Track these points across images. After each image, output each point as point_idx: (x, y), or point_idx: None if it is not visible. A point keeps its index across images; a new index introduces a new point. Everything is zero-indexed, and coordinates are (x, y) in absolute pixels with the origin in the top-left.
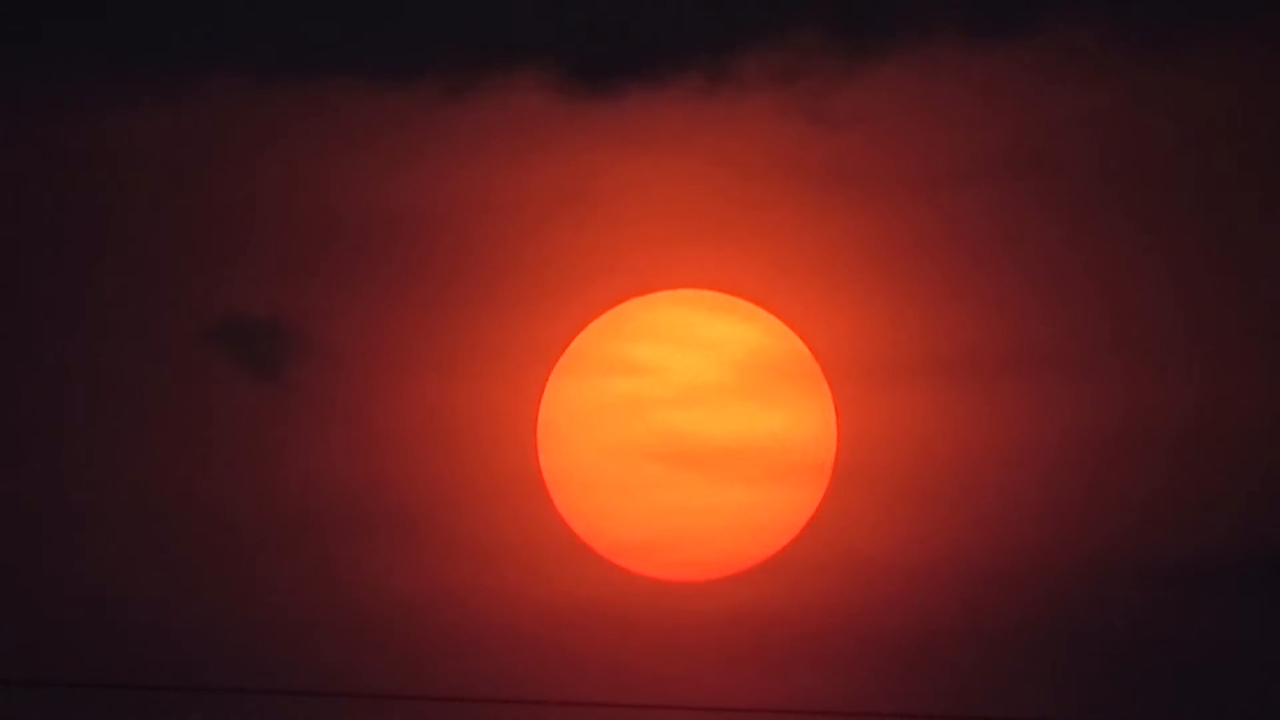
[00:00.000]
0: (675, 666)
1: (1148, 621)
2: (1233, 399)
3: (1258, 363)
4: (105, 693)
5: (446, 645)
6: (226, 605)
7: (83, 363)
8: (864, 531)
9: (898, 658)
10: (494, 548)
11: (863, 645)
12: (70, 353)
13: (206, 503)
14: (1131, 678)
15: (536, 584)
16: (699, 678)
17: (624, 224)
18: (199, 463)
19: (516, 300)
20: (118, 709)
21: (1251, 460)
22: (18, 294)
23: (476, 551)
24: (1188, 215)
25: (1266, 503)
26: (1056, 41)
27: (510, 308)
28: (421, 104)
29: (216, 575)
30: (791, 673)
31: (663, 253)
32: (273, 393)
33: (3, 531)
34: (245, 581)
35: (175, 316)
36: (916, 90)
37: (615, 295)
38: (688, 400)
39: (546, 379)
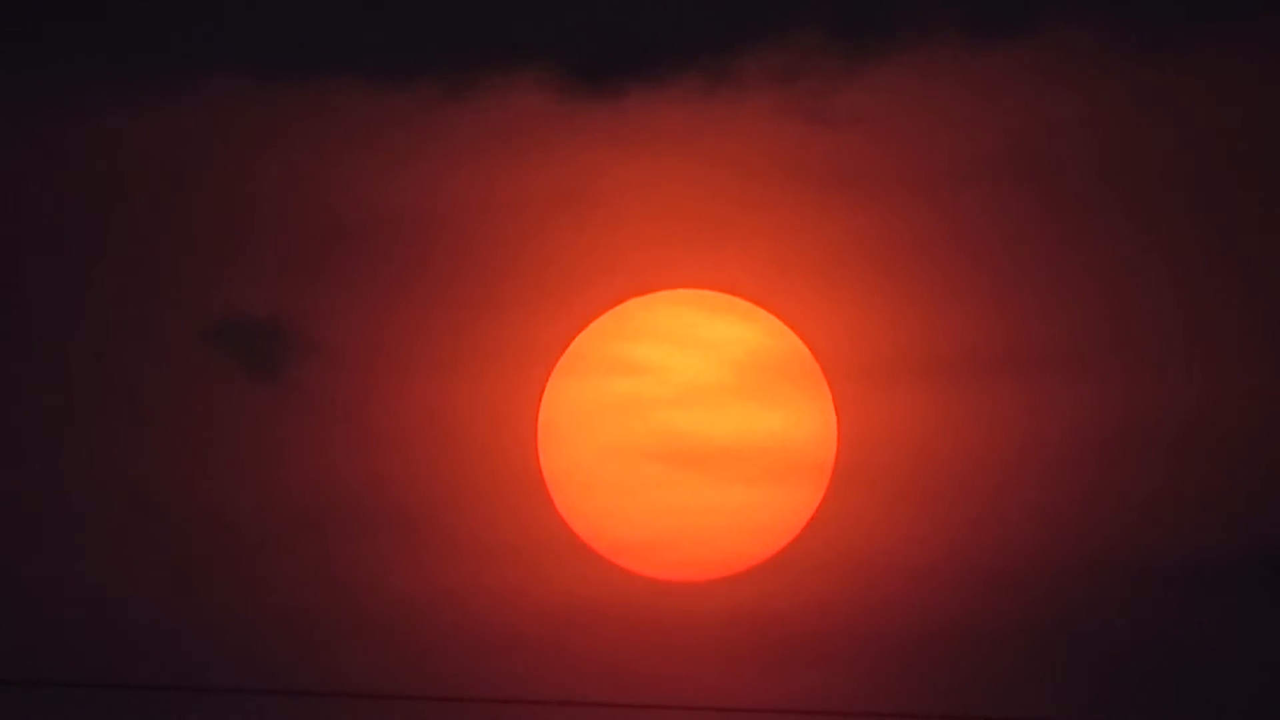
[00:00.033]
0: (675, 666)
1: (1148, 621)
2: (1233, 399)
3: (1258, 363)
4: (105, 693)
5: (446, 645)
6: (226, 605)
7: (83, 363)
8: (864, 531)
9: (898, 658)
10: (494, 548)
11: (863, 645)
12: (70, 353)
13: (206, 503)
14: (1131, 678)
15: (536, 584)
16: (699, 678)
17: (624, 224)
18: (199, 463)
19: (516, 300)
20: (118, 709)
21: (1251, 460)
22: (18, 294)
23: (476, 551)
24: (1188, 215)
25: (1266, 503)
26: (1056, 41)
27: (510, 308)
28: (421, 104)
29: (216, 575)
30: (791, 673)
31: (663, 253)
32: (273, 393)
33: (3, 531)
34: (245, 581)
35: (175, 316)
36: (916, 90)
37: (615, 295)
38: (688, 400)
39: (546, 379)
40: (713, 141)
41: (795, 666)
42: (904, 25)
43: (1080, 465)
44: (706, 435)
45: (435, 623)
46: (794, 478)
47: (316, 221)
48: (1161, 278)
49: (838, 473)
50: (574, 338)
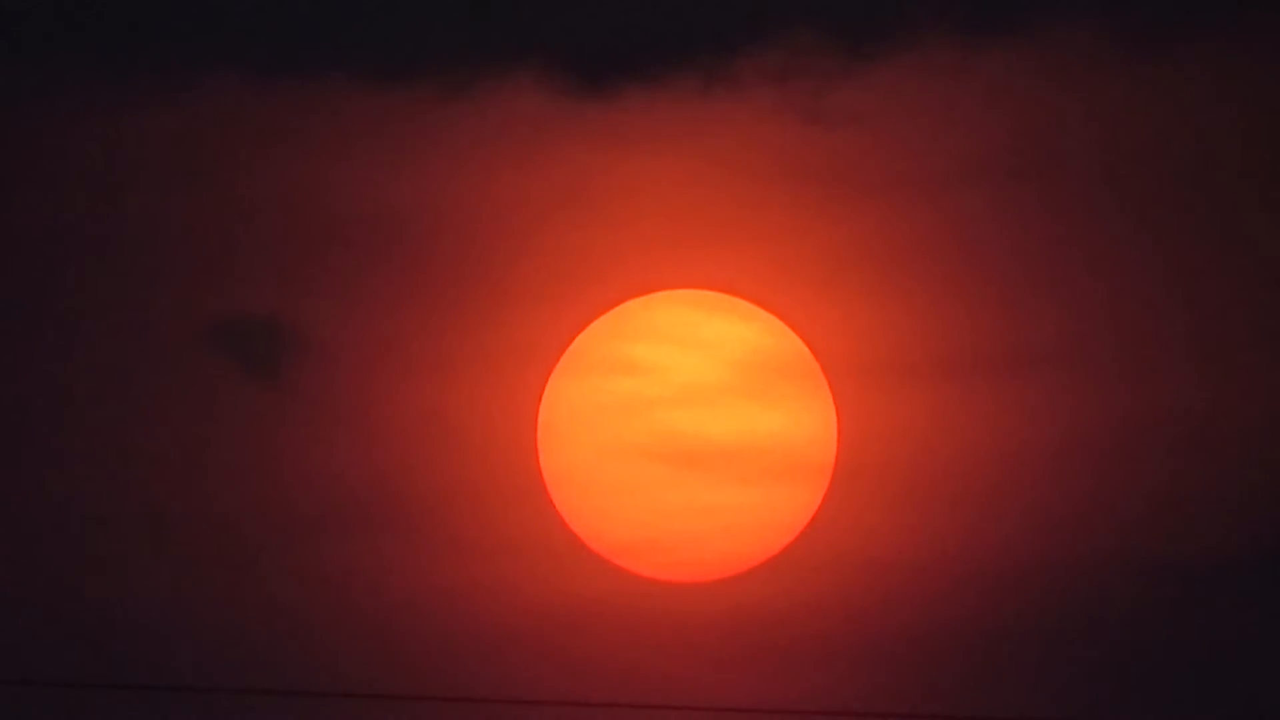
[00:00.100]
0: (675, 666)
1: (1148, 621)
2: (1233, 399)
3: (1258, 363)
4: (105, 693)
5: (446, 645)
6: (226, 605)
7: (83, 363)
8: (864, 531)
9: (898, 658)
10: (494, 548)
11: (863, 645)
12: (70, 353)
13: (206, 503)
14: (1131, 677)
15: (536, 584)
16: (699, 678)
17: (624, 224)
18: (199, 463)
19: (516, 300)
20: (118, 709)
21: (1251, 460)
22: (18, 294)
23: (476, 551)
24: (1188, 215)
25: (1266, 503)
26: (1055, 41)
27: (510, 308)
28: (421, 104)
29: (216, 575)
30: (791, 673)
31: (663, 253)
32: (272, 393)
33: (3, 531)
34: (245, 582)
35: (175, 316)
36: (914, 90)
37: (615, 295)
38: (688, 400)
39: (546, 379)
40: (711, 141)
41: (795, 666)
42: (902, 25)
43: (1080, 465)
44: (706, 435)
45: (435, 623)
46: (794, 478)
47: (316, 221)
48: (1161, 277)
49: (838, 473)
50: (574, 338)
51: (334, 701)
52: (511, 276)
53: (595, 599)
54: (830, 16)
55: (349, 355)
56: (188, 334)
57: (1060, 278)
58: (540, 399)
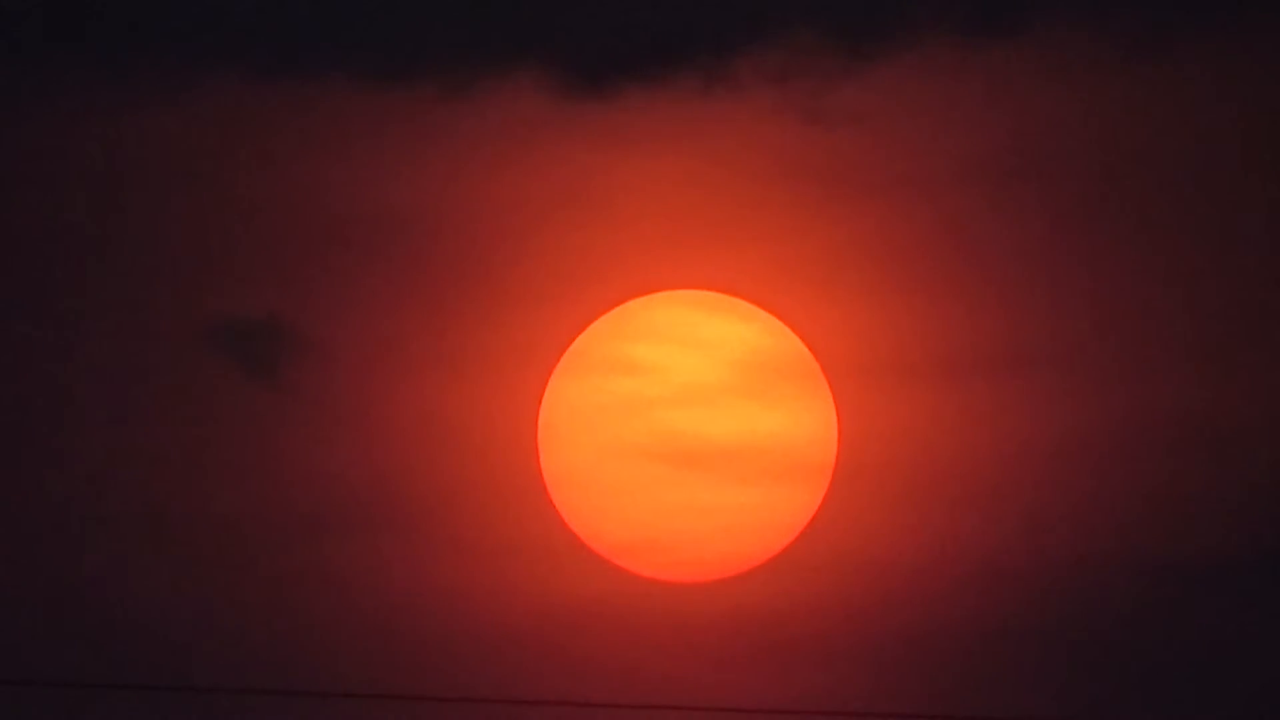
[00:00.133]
0: (675, 666)
1: (1148, 621)
2: (1233, 399)
3: (1258, 363)
4: (105, 693)
5: (446, 645)
6: (226, 605)
7: (83, 363)
8: (864, 531)
9: (898, 658)
10: (494, 548)
11: (863, 645)
12: (70, 353)
13: (206, 503)
14: (1131, 677)
15: (536, 584)
16: (699, 678)
17: (624, 224)
18: (198, 463)
19: (516, 300)
20: (118, 709)
21: (1251, 460)
22: (18, 294)
23: (476, 551)
24: (1187, 215)
25: (1266, 503)
26: (1054, 41)
27: (510, 308)
28: (421, 104)
29: (216, 575)
30: (791, 673)
31: (663, 253)
32: (271, 393)
33: (3, 531)
34: (245, 581)
35: (175, 316)
36: (914, 90)
37: (615, 295)
38: (688, 400)
39: (547, 379)
40: (711, 141)
41: (795, 667)
42: (902, 25)
43: (1080, 465)
44: (706, 435)
45: (435, 623)
46: (794, 478)
47: (315, 221)
48: (1161, 277)
49: (838, 473)
50: (574, 338)
51: (334, 701)
52: (511, 276)
53: (595, 599)
54: (830, 16)
55: (349, 355)
56: (188, 334)
57: (1060, 278)
58: (540, 399)
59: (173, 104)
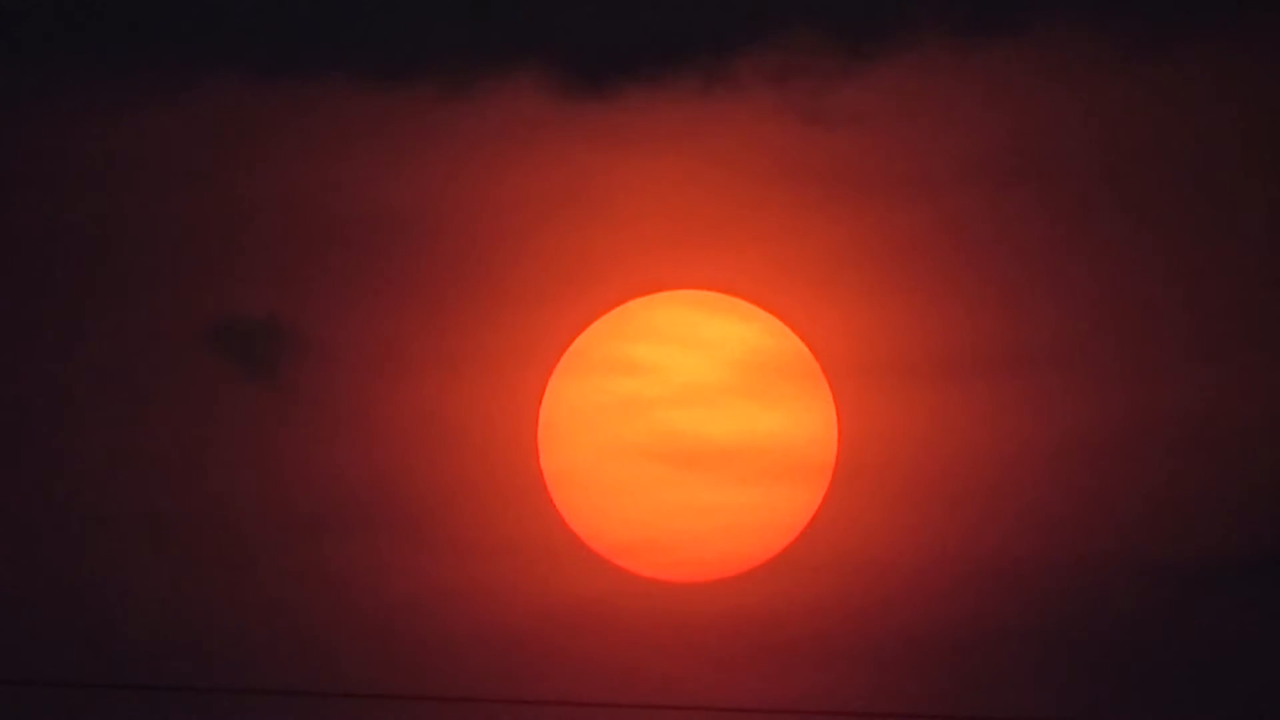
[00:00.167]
0: (675, 666)
1: (1148, 621)
2: (1233, 399)
3: (1258, 363)
4: (105, 693)
5: (446, 645)
6: (226, 605)
7: (83, 363)
8: (864, 531)
9: (898, 658)
10: (494, 548)
11: (863, 645)
12: (70, 353)
13: (206, 503)
14: (1132, 677)
15: (536, 584)
16: (699, 678)
17: (624, 224)
18: (198, 463)
19: (516, 300)
20: (118, 709)
21: (1251, 460)
22: (18, 294)
23: (476, 551)
24: (1187, 215)
25: (1266, 503)
26: (1054, 41)
27: (510, 308)
28: (421, 104)
29: (217, 575)
30: (791, 673)
31: (663, 253)
32: (271, 393)
33: (3, 531)
34: (245, 581)
35: (175, 317)
36: (914, 90)
37: (615, 295)
38: (688, 400)
39: (547, 379)
40: (711, 141)
41: (795, 667)
42: (902, 25)
43: (1080, 465)
44: (706, 435)
45: (435, 623)
46: (794, 478)
47: (315, 221)
48: (1161, 277)
49: (838, 473)
50: (574, 338)
51: (334, 701)
52: (511, 276)
53: (595, 599)
54: (830, 16)
55: (349, 355)
56: (188, 334)
57: (1060, 278)
58: (540, 399)
59: (173, 104)
